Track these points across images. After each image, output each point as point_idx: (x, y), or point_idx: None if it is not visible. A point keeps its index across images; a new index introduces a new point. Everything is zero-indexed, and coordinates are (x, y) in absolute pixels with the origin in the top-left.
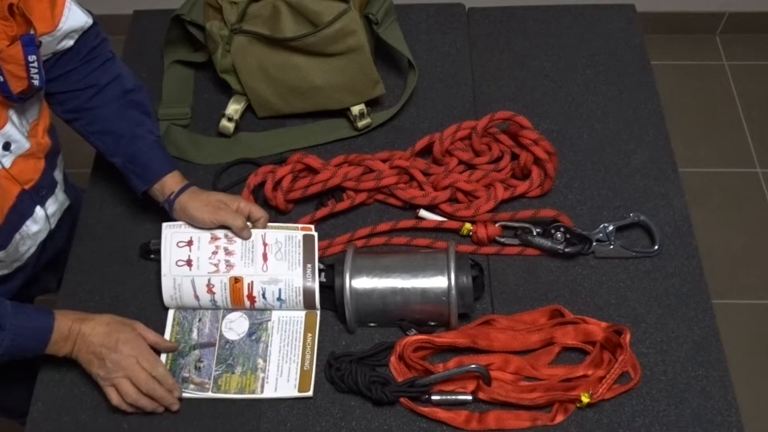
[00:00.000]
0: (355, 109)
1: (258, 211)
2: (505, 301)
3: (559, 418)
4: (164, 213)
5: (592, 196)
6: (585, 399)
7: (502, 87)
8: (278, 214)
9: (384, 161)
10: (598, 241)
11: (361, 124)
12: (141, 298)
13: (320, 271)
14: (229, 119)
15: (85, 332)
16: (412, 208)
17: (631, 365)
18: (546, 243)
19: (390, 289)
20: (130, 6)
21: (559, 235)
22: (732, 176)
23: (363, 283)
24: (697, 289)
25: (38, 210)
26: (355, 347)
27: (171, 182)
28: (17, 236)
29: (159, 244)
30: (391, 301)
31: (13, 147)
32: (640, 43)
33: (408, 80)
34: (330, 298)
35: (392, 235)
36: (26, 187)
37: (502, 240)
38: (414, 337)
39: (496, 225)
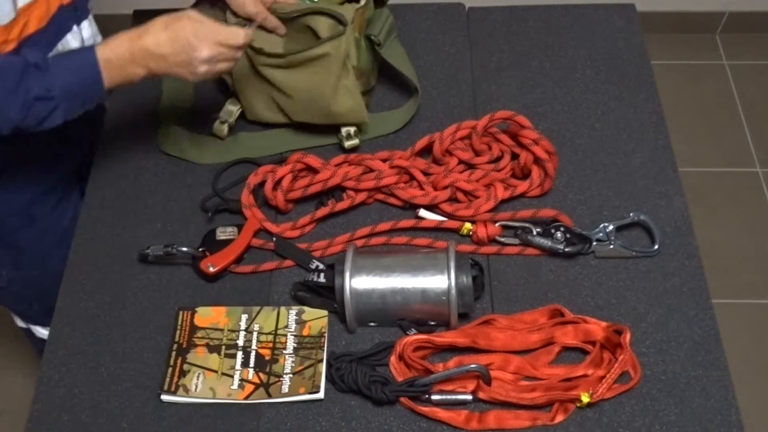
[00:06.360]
0: (344, 130)
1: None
2: (505, 300)
3: (559, 418)
4: (162, 212)
5: (592, 196)
6: (585, 399)
7: (502, 87)
8: (278, 214)
9: (384, 161)
10: (598, 240)
11: (348, 144)
12: (141, 298)
13: (320, 271)
14: (222, 122)
15: (149, 48)
16: (412, 207)
17: (631, 365)
18: (546, 243)
19: (390, 288)
20: (130, 6)
21: (559, 235)
22: (732, 176)
23: (363, 282)
24: (697, 289)
25: (75, 28)
26: (355, 347)
27: None
28: (59, 47)
29: (157, 250)
30: (391, 301)
31: None
32: (640, 43)
33: (410, 103)
34: (330, 298)
35: (392, 234)
36: (65, 1)
37: (502, 240)
38: (414, 337)
39: (496, 225)
